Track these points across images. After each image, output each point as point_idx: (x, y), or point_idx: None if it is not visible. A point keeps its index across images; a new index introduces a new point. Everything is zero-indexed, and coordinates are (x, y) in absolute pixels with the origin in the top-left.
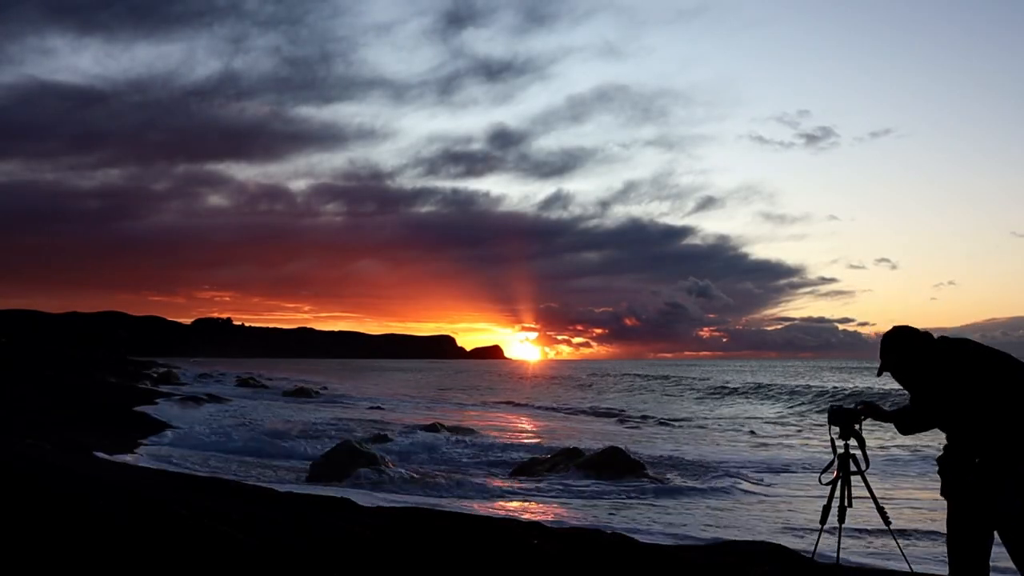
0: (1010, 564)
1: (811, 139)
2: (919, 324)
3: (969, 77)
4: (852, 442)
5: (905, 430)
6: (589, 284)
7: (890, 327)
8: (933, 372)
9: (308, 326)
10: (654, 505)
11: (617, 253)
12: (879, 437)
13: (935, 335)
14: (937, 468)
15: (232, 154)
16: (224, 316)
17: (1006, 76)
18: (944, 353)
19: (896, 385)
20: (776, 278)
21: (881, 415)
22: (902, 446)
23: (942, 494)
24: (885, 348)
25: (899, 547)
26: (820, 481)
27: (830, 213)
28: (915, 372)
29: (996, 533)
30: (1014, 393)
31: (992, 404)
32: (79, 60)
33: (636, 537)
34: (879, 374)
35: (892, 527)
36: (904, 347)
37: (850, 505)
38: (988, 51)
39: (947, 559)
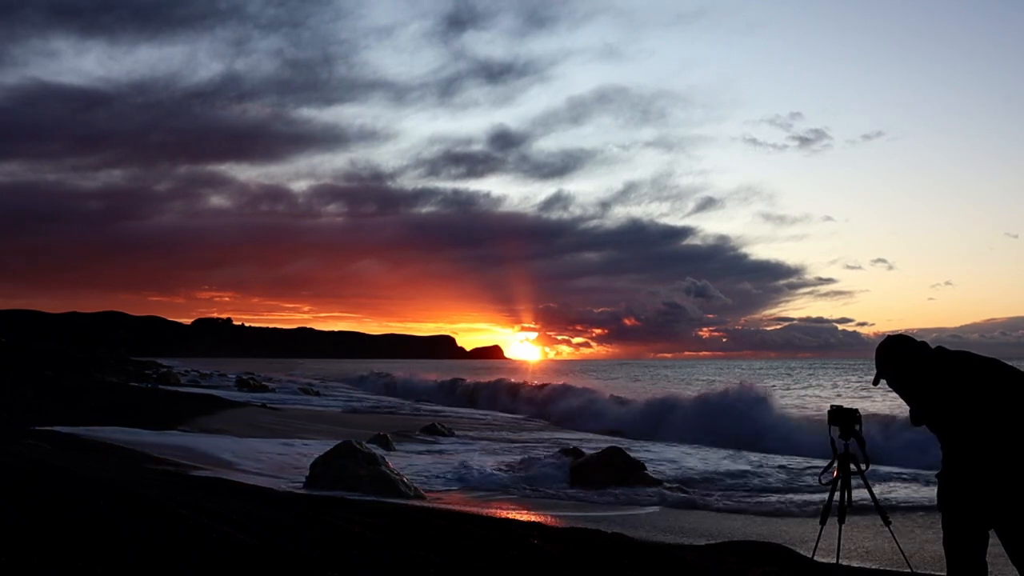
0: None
1: (804, 141)
2: (919, 324)
3: (959, 79)
4: (852, 442)
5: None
6: (589, 284)
7: (884, 336)
8: (928, 383)
9: (308, 326)
10: (654, 505)
11: (617, 253)
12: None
13: (932, 345)
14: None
15: (234, 155)
16: (224, 316)
17: (996, 78)
18: (939, 364)
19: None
20: (776, 278)
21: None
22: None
23: (938, 496)
24: (880, 357)
25: (899, 547)
26: (820, 481)
27: (826, 214)
28: (910, 382)
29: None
30: (1010, 401)
31: (987, 413)
32: (82, 62)
33: (636, 537)
34: (875, 383)
35: (892, 527)
36: (899, 356)
37: (850, 505)
38: (978, 53)
39: (945, 559)
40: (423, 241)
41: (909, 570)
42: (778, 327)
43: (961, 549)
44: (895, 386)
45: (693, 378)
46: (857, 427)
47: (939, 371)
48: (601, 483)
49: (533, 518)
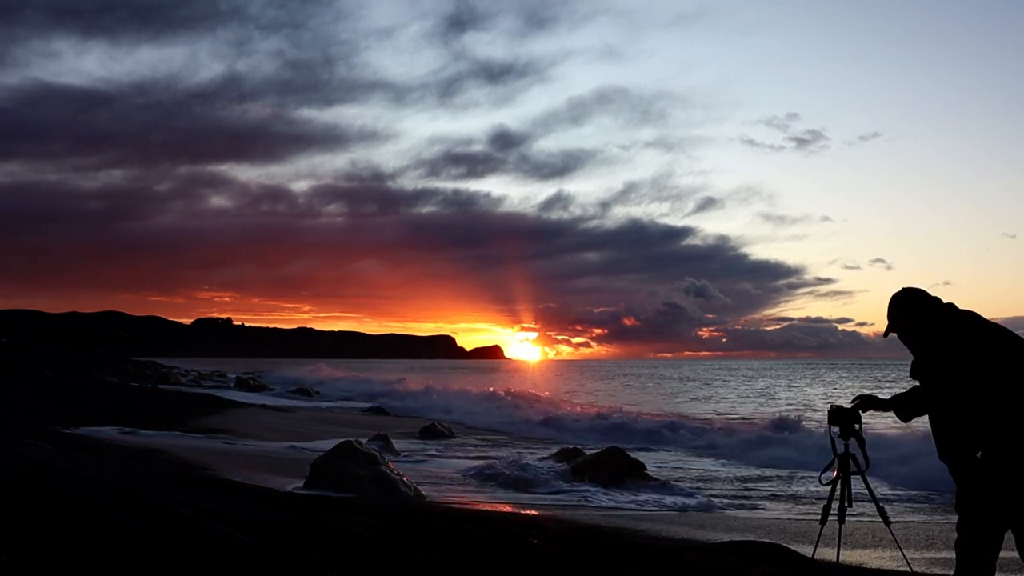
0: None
1: (802, 142)
2: None
3: (958, 79)
4: (852, 442)
5: (906, 416)
6: (589, 284)
7: (901, 289)
8: (940, 339)
9: (308, 326)
10: (654, 505)
11: (617, 253)
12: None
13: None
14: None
15: (234, 155)
16: (224, 316)
17: (995, 78)
18: (950, 326)
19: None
20: (775, 278)
21: (880, 405)
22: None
23: (957, 494)
24: (892, 311)
25: (899, 547)
26: (820, 481)
27: (824, 214)
28: (922, 336)
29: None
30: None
31: (998, 385)
32: (83, 63)
33: (636, 537)
34: (886, 335)
35: (892, 527)
36: (911, 314)
37: (850, 505)
38: (977, 53)
39: (955, 560)
40: (423, 241)
41: (909, 570)
42: (778, 327)
43: (978, 549)
44: (906, 340)
45: (692, 379)
46: (857, 427)
47: (949, 334)
48: (601, 483)
49: (533, 518)
